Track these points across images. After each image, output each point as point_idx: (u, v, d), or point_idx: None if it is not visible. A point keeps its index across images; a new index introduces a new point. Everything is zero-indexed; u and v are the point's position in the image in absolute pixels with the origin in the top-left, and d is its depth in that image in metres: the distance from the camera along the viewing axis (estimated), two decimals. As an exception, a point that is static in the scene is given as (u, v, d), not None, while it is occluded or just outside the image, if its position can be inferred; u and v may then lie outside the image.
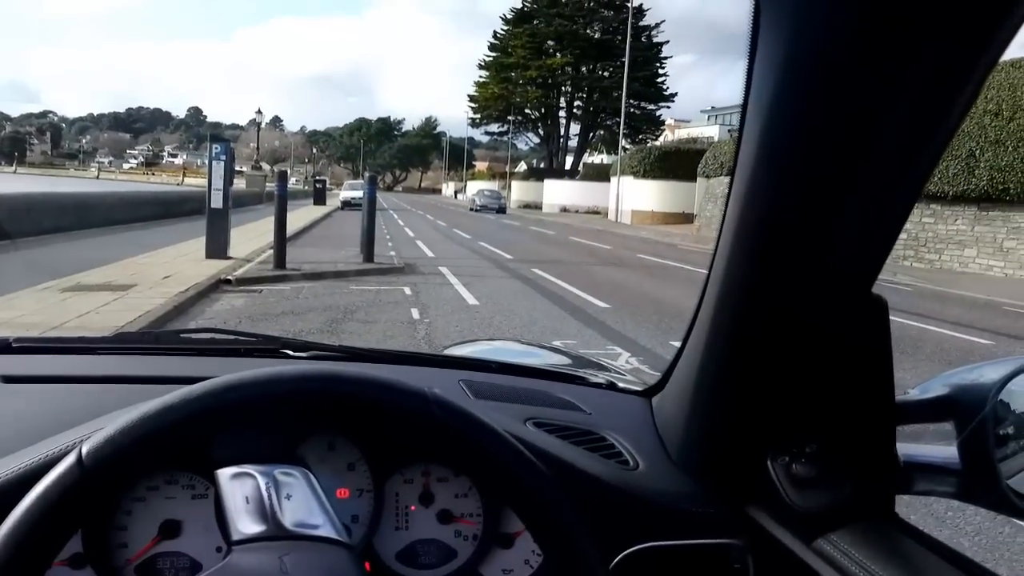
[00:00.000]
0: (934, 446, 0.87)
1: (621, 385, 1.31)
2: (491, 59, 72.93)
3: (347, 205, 37.46)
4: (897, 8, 0.57)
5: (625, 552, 0.93)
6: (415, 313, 8.68)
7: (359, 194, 17.84)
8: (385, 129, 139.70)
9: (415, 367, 1.29)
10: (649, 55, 63.30)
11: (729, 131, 56.45)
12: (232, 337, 1.32)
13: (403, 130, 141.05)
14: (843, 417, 0.85)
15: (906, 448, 0.87)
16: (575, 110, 72.19)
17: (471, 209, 50.28)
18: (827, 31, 0.62)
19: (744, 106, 0.71)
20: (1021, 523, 3.30)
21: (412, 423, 0.78)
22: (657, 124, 69.03)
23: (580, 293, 11.08)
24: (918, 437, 0.89)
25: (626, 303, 10.35)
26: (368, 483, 0.92)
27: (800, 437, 0.88)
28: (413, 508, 0.94)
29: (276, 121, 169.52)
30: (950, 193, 18.78)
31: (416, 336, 7.42)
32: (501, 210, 48.77)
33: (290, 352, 1.24)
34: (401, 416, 0.78)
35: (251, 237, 15.75)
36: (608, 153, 68.74)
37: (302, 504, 0.73)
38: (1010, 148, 17.87)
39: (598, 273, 14.45)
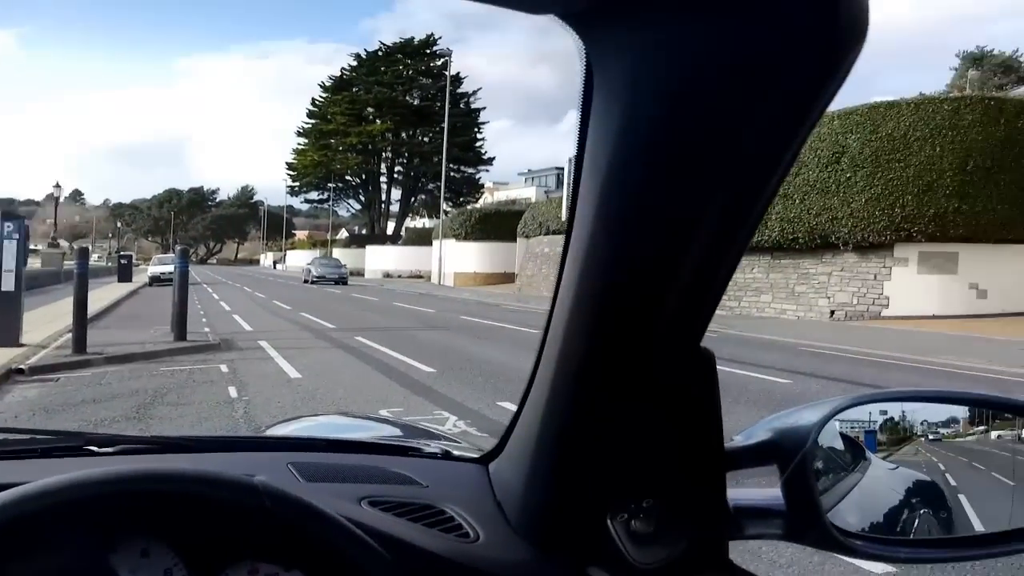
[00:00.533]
0: (761, 490, 0.90)
1: (456, 453, 1.26)
2: (310, 126, 72.48)
3: (156, 280, 35.52)
4: (727, 77, 0.58)
5: None
6: (232, 391, 8.26)
7: (169, 268, 16.95)
8: (197, 200, 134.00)
9: (237, 453, 1.19)
10: (467, 121, 65.36)
11: (546, 192, 58.76)
12: (27, 436, 1.17)
13: (217, 200, 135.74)
14: (677, 470, 0.85)
15: (735, 493, 0.88)
16: (396, 175, 72.94)
17: (305, 281, 43.11)
18: (658, 94, 0.62)
19: (578, 167, 0.71)
20: (832, 553, 3.57)
21: (241, 519, 0.71)
22: (477, 187, 70.94)
23: (405, 359, 11.00)
24: (747, 482, 0.91)
25: (451, 366, 10.37)
26: None
27: (638, 493, 0.88)
28: None
29: (76, 195, 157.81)
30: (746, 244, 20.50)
31: (234, 416, 7.03)
32: (342, 281, 42.04)
33: (95, 448, 1.10)
34: (228, 512, 0.71)
35: (48, 320, 14.64)
36: (430, 217, 69.59)
37: None
38: (797, 201, 19.86)
39: (423, 338, 14.42)
